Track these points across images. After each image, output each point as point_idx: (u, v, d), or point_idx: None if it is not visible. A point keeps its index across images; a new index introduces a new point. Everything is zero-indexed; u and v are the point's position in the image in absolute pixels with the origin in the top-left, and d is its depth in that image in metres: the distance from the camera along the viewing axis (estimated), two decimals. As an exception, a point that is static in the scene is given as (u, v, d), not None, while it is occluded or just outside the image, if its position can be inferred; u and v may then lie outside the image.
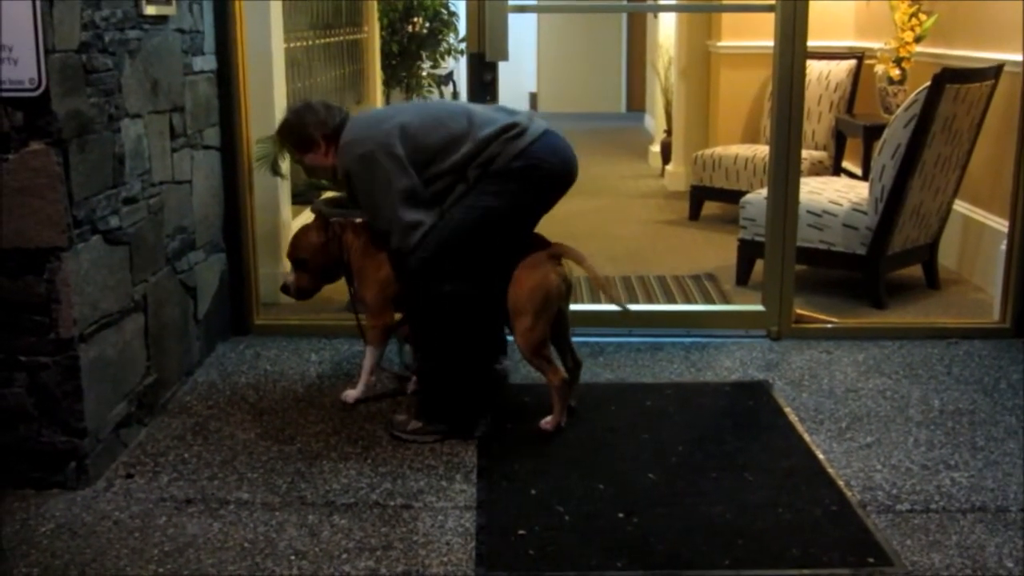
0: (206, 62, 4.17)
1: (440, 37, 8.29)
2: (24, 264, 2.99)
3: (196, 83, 4.05)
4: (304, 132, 3.58)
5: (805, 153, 5.52)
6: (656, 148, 9.14)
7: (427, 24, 8.29)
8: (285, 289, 3.80)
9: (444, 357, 3.50)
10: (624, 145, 10.84)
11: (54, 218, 2.96)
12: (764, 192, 5.23)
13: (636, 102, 13.88)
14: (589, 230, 6.63)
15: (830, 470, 3.24)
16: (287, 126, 3.68)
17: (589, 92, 14.41)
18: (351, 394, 3.78)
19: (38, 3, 2.86)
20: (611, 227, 6.88)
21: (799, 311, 4.56)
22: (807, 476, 3.21)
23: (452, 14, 8.50)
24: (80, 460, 3.13)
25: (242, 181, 4.42)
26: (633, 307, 4.73)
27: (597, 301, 4.87)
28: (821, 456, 3.34)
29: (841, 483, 3.15)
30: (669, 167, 8.33)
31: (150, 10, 3.55)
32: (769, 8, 4.30)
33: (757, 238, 5.15)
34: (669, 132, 8.58)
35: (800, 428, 3.57)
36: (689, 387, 3.96)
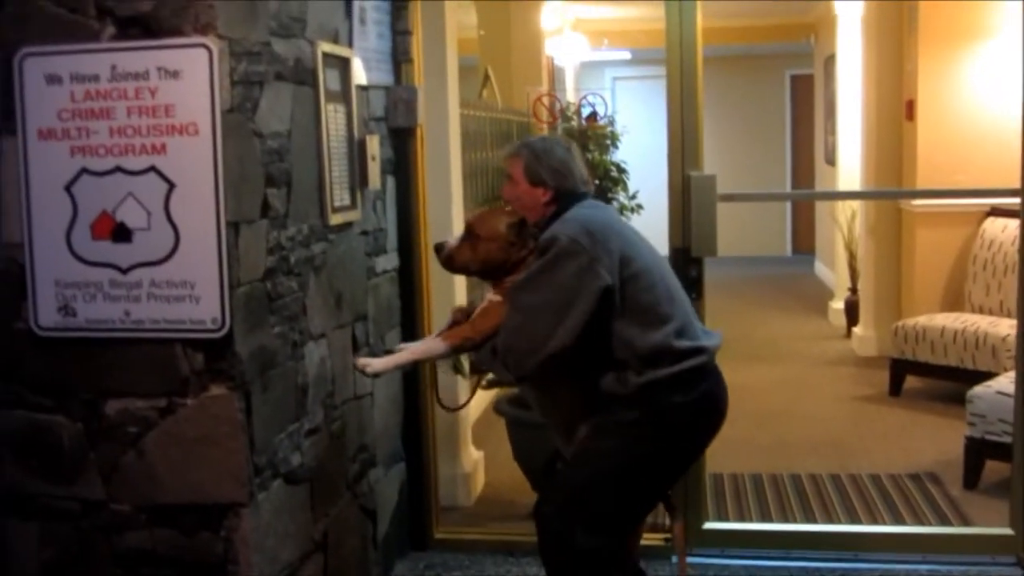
0: (388, 261, 3.88)
1: (610, 195, 8.02)
2: (200, 520, 2.68)
3: (379, 285, 3.77)
4: (547, 166, 2.96)
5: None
6: (837, 305, 8.57)
7: (597, 182, 8.03)
8: (439, 247, 3.14)
9: None
10: (797, 296, 10.27)
11: (234, 471, 2.65)
12: (995, 384, 4.68)
13: (802, 243, 13.32)
14: (779, 409, 6.11)
15: None
16: (536, 148, 3.00)
17: (750, 234, 13.90)
18: (374, 363, 2.99)
19: (224, 233, 2.60)
20: (802, 405, 6.32)
21: (1055, 533, 3.94)
22: None
23: (622, 171, 8.23)
24: None
25: (423, 381, 4.10)
26: (857, 528, 4.22)
27: (812, 520, 4.33)
28: None
29: None
30: (857, 330, 7.75)
31: (336, 219, 3.28)
32: (1014, 193, 3.81)
33: (989, 437, 4.56)
34: (854, 290, 8.03)
35: None
36: (940, 639, 3.39)
